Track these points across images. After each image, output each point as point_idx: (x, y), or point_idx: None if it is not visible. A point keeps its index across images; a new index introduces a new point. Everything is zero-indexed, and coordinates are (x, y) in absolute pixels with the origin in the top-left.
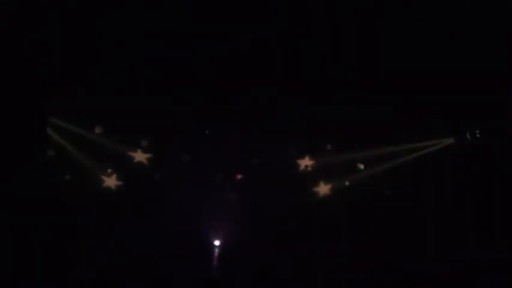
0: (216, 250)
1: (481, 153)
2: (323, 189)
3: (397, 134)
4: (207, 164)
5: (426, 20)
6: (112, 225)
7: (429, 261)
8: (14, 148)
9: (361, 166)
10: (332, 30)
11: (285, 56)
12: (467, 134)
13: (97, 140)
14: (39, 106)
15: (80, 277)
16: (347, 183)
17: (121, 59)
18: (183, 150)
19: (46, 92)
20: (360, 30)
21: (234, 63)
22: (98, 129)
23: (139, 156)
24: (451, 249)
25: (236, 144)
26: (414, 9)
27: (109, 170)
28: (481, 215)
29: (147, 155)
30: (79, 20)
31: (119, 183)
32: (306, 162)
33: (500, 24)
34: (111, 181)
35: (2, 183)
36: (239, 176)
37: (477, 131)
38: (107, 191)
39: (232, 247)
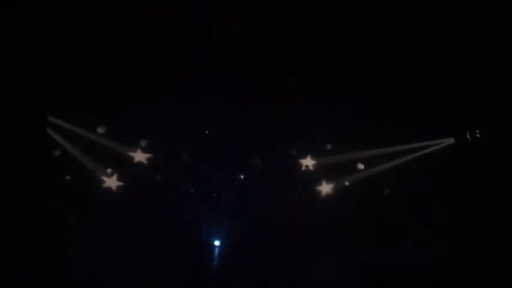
0: (216, 250)
1: (481, 153)
2: (325, 188)
3: (397, 134)
4: (207, 164)
5: (426, 20)
6: (112, 225)
7: (429, 260)
8: (14, 148)
9: (362, 166)
10: (333, 31)
11: (285, 56)
12: (467, 134)
13: (97, 140)
14: (39, 106)
15: (79, 277)
16: (347, 183)
17: (121, 59)
18: (183, 150)
19: (46, 92)
20: (361, 31)
21: (234, 63)
22: (100, 130)
23: (139, 156)
24: (451, 248)
25: (237, 144)
26: (414, 9)
27: (109, 170)
28: (481, 215)
29: (147, 155)
30: (79, 20)
31: (119, 183)
32: (307, 162)
33: (500, 24)
34: (111, 181)
35: (2, 183)
36: (239, 176)
37: (477, 131)
38: (107, 191)
39: (232, 247)
